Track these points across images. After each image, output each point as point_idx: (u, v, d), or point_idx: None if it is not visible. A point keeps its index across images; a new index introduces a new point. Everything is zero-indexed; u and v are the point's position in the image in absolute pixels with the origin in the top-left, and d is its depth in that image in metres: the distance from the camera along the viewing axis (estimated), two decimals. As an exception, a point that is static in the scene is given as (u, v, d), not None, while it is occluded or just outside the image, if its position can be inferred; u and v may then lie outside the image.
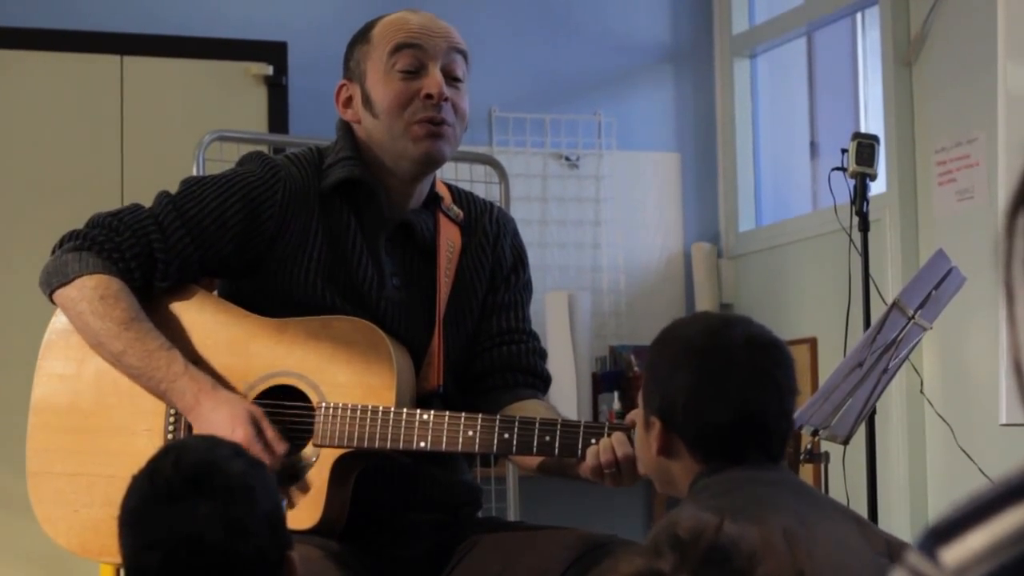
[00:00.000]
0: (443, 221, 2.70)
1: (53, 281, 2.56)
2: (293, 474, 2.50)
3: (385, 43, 2.62)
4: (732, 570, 1.29)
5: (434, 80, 2.60)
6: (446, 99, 2.59)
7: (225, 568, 1.77)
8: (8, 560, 4.67)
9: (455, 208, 2.74)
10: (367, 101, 2.63)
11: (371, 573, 2.52)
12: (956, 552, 0.96)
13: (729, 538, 1.31)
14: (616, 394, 5.42)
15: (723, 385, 1.98)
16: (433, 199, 2.70)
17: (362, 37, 2.67)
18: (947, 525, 0.98)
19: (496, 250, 2.76)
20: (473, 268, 2.73)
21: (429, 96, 2.58)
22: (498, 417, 2.51)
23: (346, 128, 2.67)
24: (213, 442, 1.91)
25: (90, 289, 2.53)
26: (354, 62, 2.66)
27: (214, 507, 1.77)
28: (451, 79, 2.62)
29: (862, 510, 3.06)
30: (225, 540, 1.76)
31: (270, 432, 2.48)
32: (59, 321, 2.64)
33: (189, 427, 2.53)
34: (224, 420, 2.46)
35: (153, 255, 2.56)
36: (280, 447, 2.48)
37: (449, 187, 2.79)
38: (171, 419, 2.56)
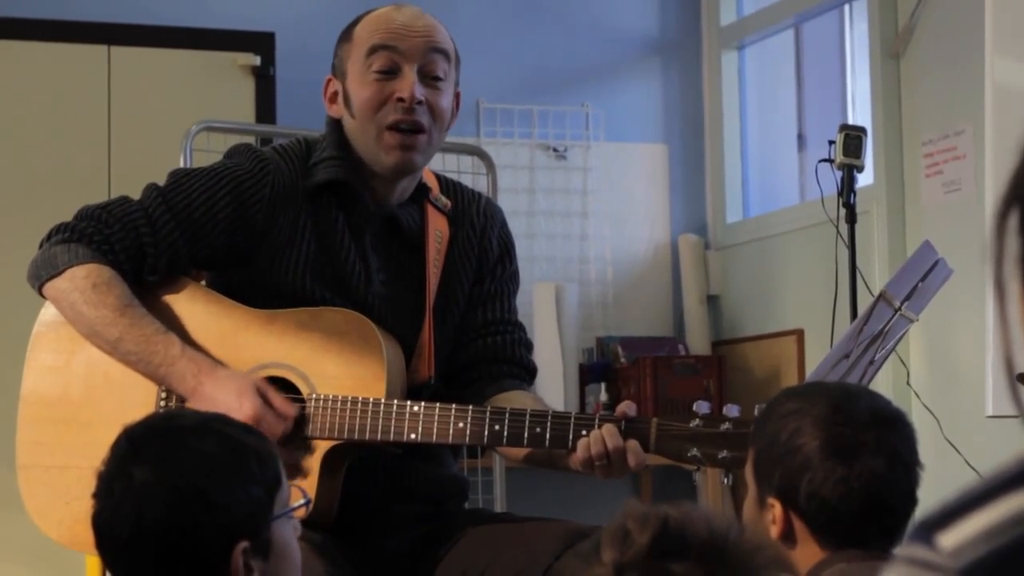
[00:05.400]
0: (431, 212, 2.69)
1: (43, 274, 2.55)
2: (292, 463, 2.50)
3: (364, 43, 2.61)
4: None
5: (407, 82, 2.57)
6: (420, 102, 2.57)
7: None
8: (-2, 553, 4.66)
9: (443, 198, 2.73)
10: (347, 101, 2.62)
11: (355, 564, 2.52)
12: (953, 536, 0.97)
13: (676, 527, 1.28)
14: (603, 385, 5.42)
15: (851, 467, 1.90)
16: (420, 190, 2.69)
17: (346, 34, 2.65)
18: (942, 515, 0.99)
19: (483, 241, 2.75)
20: (461, 259, 2.72)
21: (401, 99, 2.57)
22: (488, 408, 2.51)
23: (335, 123, 2.66)
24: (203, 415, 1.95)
25: (81, 279, 2.51)
26: (339, 59, 2.65)
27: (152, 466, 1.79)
28: (430, 79, 2.60)
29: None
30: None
31: (277, 400, 2.48)
32: (47, 313, 2.63)
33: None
34: (230, 396, 2.45)
35: (143, 248, 2.55)
36: (291, 411, 2.47)
37: (437, 176, 2.78)
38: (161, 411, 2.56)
